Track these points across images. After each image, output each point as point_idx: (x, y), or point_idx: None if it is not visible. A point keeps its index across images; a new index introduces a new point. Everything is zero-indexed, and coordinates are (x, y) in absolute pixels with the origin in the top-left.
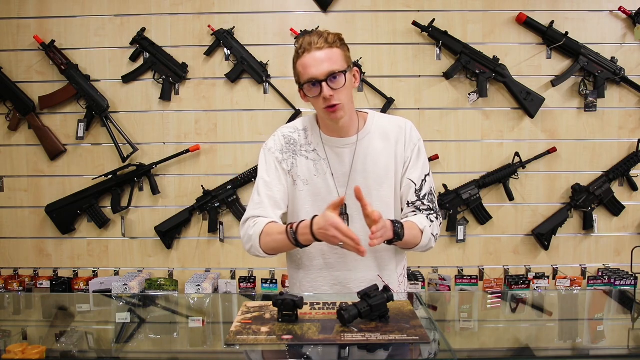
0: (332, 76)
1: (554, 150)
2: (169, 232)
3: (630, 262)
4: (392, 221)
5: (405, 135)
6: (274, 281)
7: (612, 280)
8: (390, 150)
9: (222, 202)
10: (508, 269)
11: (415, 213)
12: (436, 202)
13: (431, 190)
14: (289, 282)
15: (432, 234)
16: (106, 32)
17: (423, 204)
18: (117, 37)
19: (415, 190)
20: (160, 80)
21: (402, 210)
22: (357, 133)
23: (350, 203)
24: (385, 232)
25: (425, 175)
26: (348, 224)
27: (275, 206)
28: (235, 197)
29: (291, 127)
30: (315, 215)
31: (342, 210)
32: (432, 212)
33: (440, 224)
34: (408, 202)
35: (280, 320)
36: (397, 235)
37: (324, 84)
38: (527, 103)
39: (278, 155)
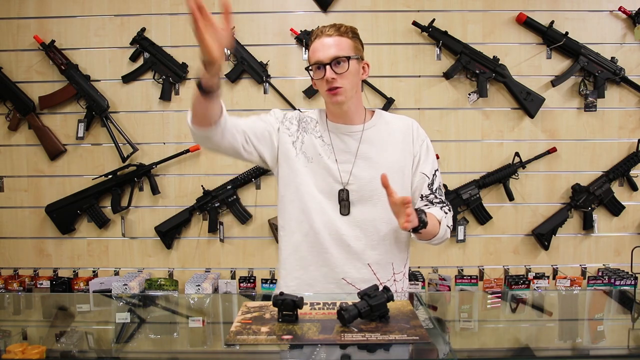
0: (336, 61)
1: (554, 150)
2: (169, 232)
3: (630, 262)
4: (416, 209)
5: (412, 132)
6: (274, 281)
7: (612, 280)
8: (397, 146)
9: (222, 202)
10: (508, 269)
11: (428, 207)
12: (444, 196)
13: (440, 185)
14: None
15: (447, 225)
16: (106, 32)
17: (436, 197)
18: (117, 37)
19: (428, 183)
20: (160, 80)
21: (414, 204)
22: (364, 123)
23: (352, 190)
24: (414, 218)
25: (435, 170)
26: (349, 212)
27: (250, 127)
28: (235, 197)
29: (305, 112)
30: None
31: (343, 197)
32: (445, 204)
33: (452, 215)
34: (422, 195)
35: (280, 320)
36: (422, 222)
37: (327, 67)
38: (527, 103)
39: (283, 120)
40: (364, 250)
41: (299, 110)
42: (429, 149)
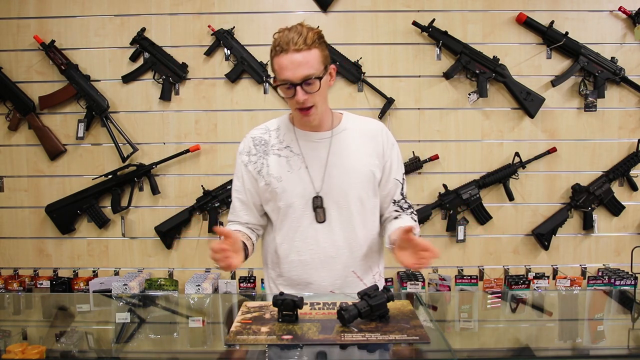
0: (307, 81)
1: (554, 150)
2: (169, 232)
3: (630, 262)
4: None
5: (382, 136)
6: None
7: (612, 280)
8: (368, 149)
9: (222, 202)
10: (508, 269)
11: (398, 212)
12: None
13: (406, 188)
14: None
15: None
16: (106, 32)
17: (405, 201)
18: (117, 37)
19: (400, 189)
20: (160, 80)
21: (384, 208)
22: (332, 129)
23: (327, 197)
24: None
25: (403, 174)
26: (325, 219)
27: (247, 209)
28: None
29: (262, 128)
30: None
31: (318, 203)
32: (412, 211)
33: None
34: (394, 200)
35: (280, 320)
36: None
37: (298, 88)
38: (527, 103)
39: (244, 158)
40: (345, 257)
41: (256, 127)
42: (398, 154)
